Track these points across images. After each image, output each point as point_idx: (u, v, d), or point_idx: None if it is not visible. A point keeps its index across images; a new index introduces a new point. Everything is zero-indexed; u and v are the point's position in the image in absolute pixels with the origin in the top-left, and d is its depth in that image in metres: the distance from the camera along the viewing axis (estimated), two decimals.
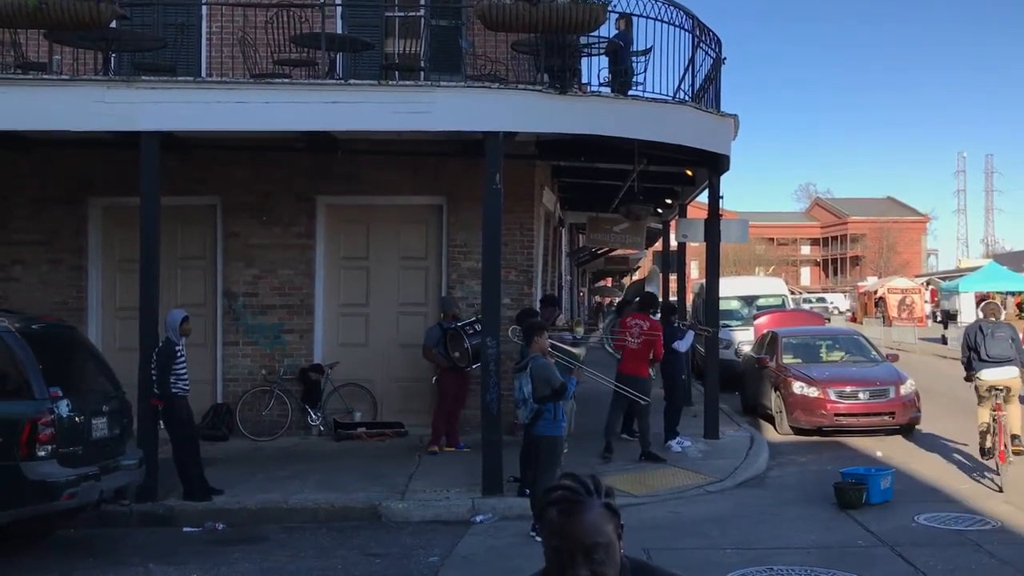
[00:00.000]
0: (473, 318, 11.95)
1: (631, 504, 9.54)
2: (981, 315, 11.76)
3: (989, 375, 10.69)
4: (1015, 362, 10.71)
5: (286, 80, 10.44)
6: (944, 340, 34.74)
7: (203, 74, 12.38)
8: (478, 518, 9.10)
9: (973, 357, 10.87)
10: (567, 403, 8.99)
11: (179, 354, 9.55)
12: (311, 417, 12.98)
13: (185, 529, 8.94)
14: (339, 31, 12.30)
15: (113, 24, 10.62)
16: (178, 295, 12.70)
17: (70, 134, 10.17)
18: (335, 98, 9.93)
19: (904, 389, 14.07)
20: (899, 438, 13.66)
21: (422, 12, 12.39)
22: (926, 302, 46.88)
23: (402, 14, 12.85)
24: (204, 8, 12.09)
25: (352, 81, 10.37)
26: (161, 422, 9.66)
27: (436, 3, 12.56)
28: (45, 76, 10.32)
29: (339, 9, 12.38)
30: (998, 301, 36.37)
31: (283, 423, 12.87)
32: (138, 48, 11.62)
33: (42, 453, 7.40)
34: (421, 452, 11.75)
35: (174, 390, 9.44)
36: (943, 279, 49.27)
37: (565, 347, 9.59)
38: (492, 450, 9.62)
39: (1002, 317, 12.56)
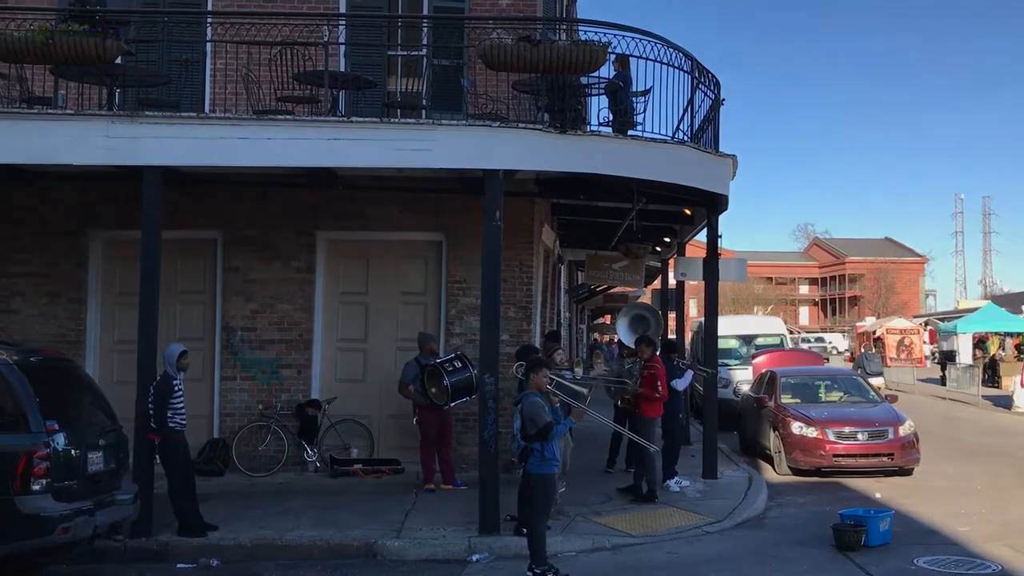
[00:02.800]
0: (452, 355, 11.90)
1: (628, 545, 9.50)
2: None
3: None
4: None
5: (289, 116, 10.52)
6: (943, 381, 34.69)
7: (207, 110, 12.50)
8: (474, 557, 9.02)
9: None
10: (560, 441, 8.94)
11: (177, 388, 9.53)
12: (307, 453, 12.92)
13: (179, 565, 8.86)
14: (342, 69, 12.43)
15: (118, 60, 10.73)
16: (177, 329, 12.70)
17: (73, 168, 10.23)
18: (337, 135, 10.01)
19: (903, 430, 14.02)
20: (898, 479, 13.59)
21: (424, 51, 12.53)
22: (925, 343, 46.82)
23: (404, 53, 12.99)
24: (208, 45, 12.22)
25: (354, 118, 10.43)
26: (157, 456, 9.61)
27: (438, 43, 12.71)
28: (50, 111, 10.40)
29: (342, 47, 12.52)
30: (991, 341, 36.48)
31: (279, 459, 12.81)
32: (142, 84, 11.73)
33: (37, 487, 7.34)
34: (418, 490, 11.68)
35: (171, 424, 9.42)
36: (941, 320, 49.25)
37: (570, 386, 9.53)
38: (489, 488, 9.57)
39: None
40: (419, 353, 12.18)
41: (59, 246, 13.04)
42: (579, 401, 9.61)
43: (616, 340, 17.43)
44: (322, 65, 11.00)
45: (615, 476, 13.06)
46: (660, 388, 11.67)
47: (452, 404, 11.58)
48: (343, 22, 12.51)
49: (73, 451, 7.78)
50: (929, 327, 48.31)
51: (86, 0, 10.21)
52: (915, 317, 61.07)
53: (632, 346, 13.29)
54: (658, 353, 12.33)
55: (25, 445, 7.35)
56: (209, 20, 12.22)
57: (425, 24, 12.95)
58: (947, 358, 38.30)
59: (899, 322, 52.58)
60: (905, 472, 13.89)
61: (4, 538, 7.27)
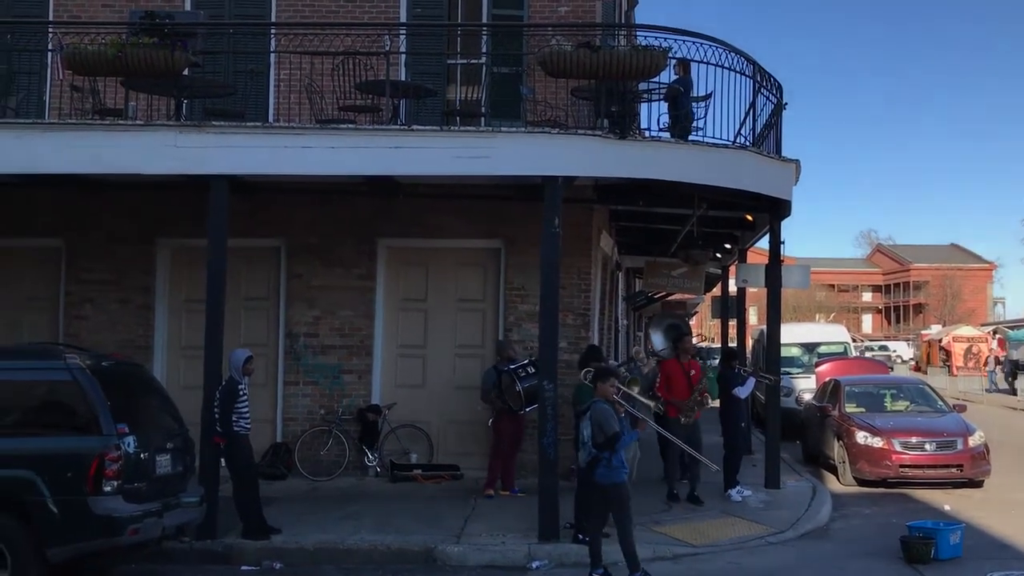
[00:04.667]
0: (526, 360, 11.94)
1: (689, 555, 9.40)
2: None
3: None
4: None
5: (351, 126, 10.67)
6: (1014, 391, 33.70)
7: (271, 119, 12.73)
8: (534, 564, 9.01)
9: None
10: (629, 451, 8.88)
11: (242, 393, 9.69)
12: (368, 458, 13.04)
13: (243, 568, 9.00)
14: (402, 78, 12.56)
15: (185, 72, 10.99)
16: (241, 335, 12.92)
17: (142, 177, 10.49)
18: (398, 143, 10.11)
19: (972, 441, 13.67)
20: (968, 491, 13.25)
21: (484, 59, 12.60)
22: (992, 349, 45.56)
23: (464, 62, 13.08)
24: (272, 56, 12.44)
25: (415, 127, 10.53)
26: (223, 460, 9.79)
27: (497, 50, 12.77)
28: (121, 121, 10.68)
29: (403, 57, 12.65)
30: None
31: (340, 463, 12.95)
32: (209, 94, 11.99)
33: (108, 488, 7.52)
34: (476, 495, 11.71)
35: (236, 428, 9.58)
36: (1011, 328, 47.88)
37: (638, 398, 9.49)
38: (549, 495, 9.55)
39: None
40: (497, 360, 12.24)
41: (128, 254, 13.36)
42: (646, 413, 9.54)
43: (639, 353, 17.69)
44: (383, 74, 11.12)
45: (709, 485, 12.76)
46: (671, 388, 11.89)
47: (527, 409, 11.59)
48: (403, 31, 12.63)
49: (142, 454, 7.96)
50: (998, 335, 47.01)
51: (155, 14, 10.46)
52: (983, 325, 59.46)
53: (667, 351, 13.36)
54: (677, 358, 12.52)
55: (97, 447, 7.54)
56: (273, 31, 12.44)
57: (484, 32, 13.02)
58: (1017, 368, 37.22)
59: (966, 330, 51.30)
60: (975, 484, 13.53)
61: (77, 537, 7.46)
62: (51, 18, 13.09)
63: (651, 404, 9.90)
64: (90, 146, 10.04)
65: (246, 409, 9.72)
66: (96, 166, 10.32)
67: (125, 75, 10.64)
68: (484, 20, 13.29)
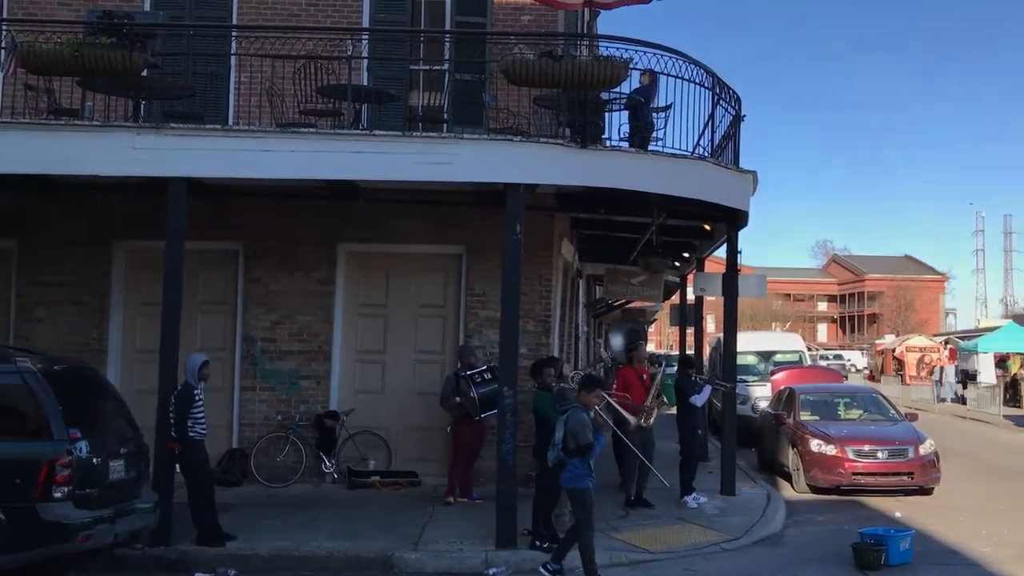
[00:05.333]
0: (483, 367, 11.95)
1: (646, 561, 9.47)
2: None
3: None
4: None
5: (312, 130, 10.61)
6: (963, 400, 34.40)
7: (231, 122, 12.61)
8: (491, 571, 9.01)
9: None
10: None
11: (197, 398, 9.59)
12: (325, 464, 12.95)
13: (198, 574, 8.88)
14: (365, 83, 12.52)
15: (144, 72, 10.86)
16: (198, 339, 12.77)
17: (98, 178, 10.34)
18: (360, 148, 10.08)
19: (923, 449, 13.93)
20: (918, 499, 13.49)
21: (446, 66, 12.61)
22: (948, 360, 46.45)
23: (427, 67, 13.08)
24: (233, 59, 12.35)
25: (377, 132, 10.51)
26: (177, 466, 9.67)
27: (460, 58, 12.79)
28: (77, 122, 10.52)
29: (365, 62, 12.62)
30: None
31: (297, 470, 12.85)
32: (168, 96, 11.86)
33: (58, 495, 7.40)
34: (435, 502, 11.68)
35: (191, 434, 9.47)
36: (962, 338, 48.86)
37: (620, 411, 9.64)
38: (507, 502, 9.56)
39: None
40: (458, 366, 12.22)
41: (83, 256, 13.16)
42: (623, 428, 9.65)
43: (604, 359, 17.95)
44: (345, 79, 11.09)
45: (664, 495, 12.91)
46: (628, 393, 11.96)
47: (483, 415, 11.60)
48: (366, 36, 12.61)
49: (95, 459, 7.85)
50: (949, 346, 47.95)
51: (114, 14, 10.33)
52: (935, 335, 60.60)
53: (625, 357, 13.56)
54: (644, 365, 12.88)
55: (47, 453, 7.42)
56: (234, 34, 12.34)
57: (447, 39, 13.04)
58: (968, 377, 38.00)
59: (919, 340, 52.26)
60: (926, 491, 13.78)
61: (26, 545, 7.34)
62: (5, 15, 12.87)
63: (632, 420, 10.01)
64: (45, 146, 9.88)
65: (202, 414, 9.61)
66: (51, 167, 10.16)
67: (82, 75, 10.49)
68: (447, 27, 13.31)
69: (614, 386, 12.41)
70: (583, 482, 8.33)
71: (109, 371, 12.85)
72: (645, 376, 12.48)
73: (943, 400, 35.02)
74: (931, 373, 42.52)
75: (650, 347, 47.33)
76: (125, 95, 11.44)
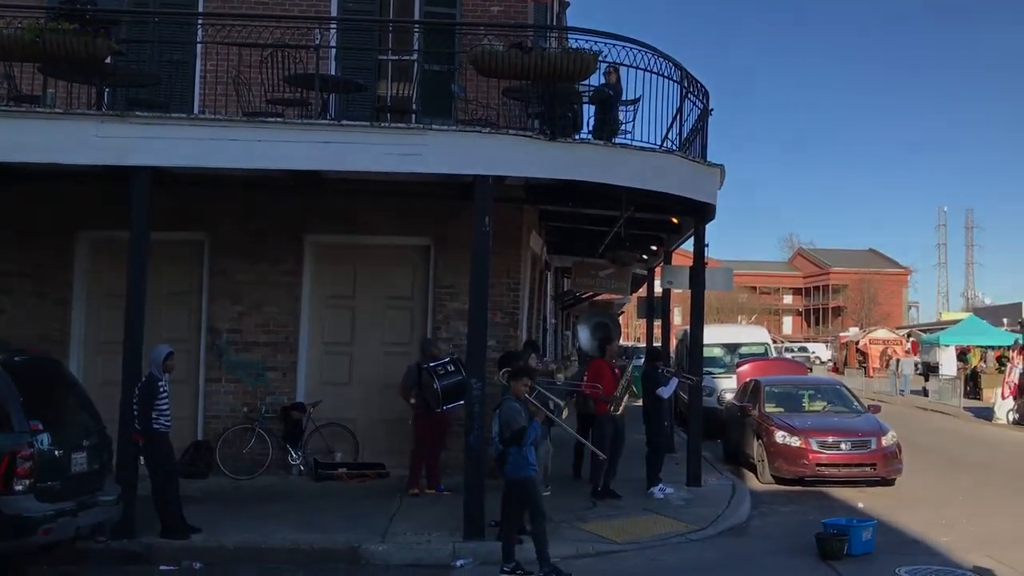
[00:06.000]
0: (447, 358, 11.92)
1: (612, 551, 9.52)
2: None
3: None
4: None
5: (279, 119, 10.51)
6: (925, 392, 34.92)
7: (196, 111, 12.46)
8: (458, 563, 9.02)
9: None
10: (541, 448, 9.07)
11: (162, 390, 9.49)
12: (292, 456, 12.88)
13: (162, 567, 8.81)
14: (332, 72, 12.42)
15: (108, 59, 10.69)
16: (162, 330, 12.61)
17: (60, 167, 10.18)
18: (327, 138, 10.01)
19: (886, 440, 14.11)
20: (881, 489, 13.67)
21: (415, 56, 12.55)
22: (907, 353, 47.17)
23: (395, 58, 12.99)
24: (199, 46, 12.20)
25: (344, 122, 10.44)
26: (141, 458, 9.57)
27: (429, 48, 12.73)
28: (38, 109, 10.34)
29: (333, 51, 12.51)
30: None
31: (263, 462, 12.76)
32: (132, 84, 11.69)
33: (19, 487, 7.29)
34: (402, 494, 11.66)
35: (155, 426, 9.37)
36: (924, 331, 49.61)
37: (549, 396, 9.67)
38: (474, 493, 9.57)
39: None
40: (420, 358, 12.18)
41: (45, 246, 12.96)
42: (555, 413, 9.72)
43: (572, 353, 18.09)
44: (313, 68, 10.98)
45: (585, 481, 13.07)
46: (600, 384, 12.14)
47: (445, 408, 11.58)
48: (334, 26, 12.49)
49: (56, 451, 7.74)
50: (912, 338, 48.66)
51: None
52: (898, 328, 61.45)
53: (598, 350, 13.59)
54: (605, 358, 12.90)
55: (8, 445, 7.30)
56: (200, 21, 12.18)
57: (416, 29, 12.97)
58: (929, 370, 38.58)
59: (882, 333, 52.98)
60: (888, 482, 13.97)
61: None
62: None
63: (562, 403, 10.08)
64: (5, 134, 9.70)
65: (166, 406, 9.51)
66: (12, 155, 9.96)
67: (43, 61, 10.31)
68: (416, 17, 13.24)
69: (585, 378, 12.50)
70: (524, 471, 8.40)
71: (72, 363, 12.69)
72: (616, 370, 12.58)
73: (902, 392, 35.51)
74: (887, 366, 43.12)
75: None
76: (88, 82, 11.26)
